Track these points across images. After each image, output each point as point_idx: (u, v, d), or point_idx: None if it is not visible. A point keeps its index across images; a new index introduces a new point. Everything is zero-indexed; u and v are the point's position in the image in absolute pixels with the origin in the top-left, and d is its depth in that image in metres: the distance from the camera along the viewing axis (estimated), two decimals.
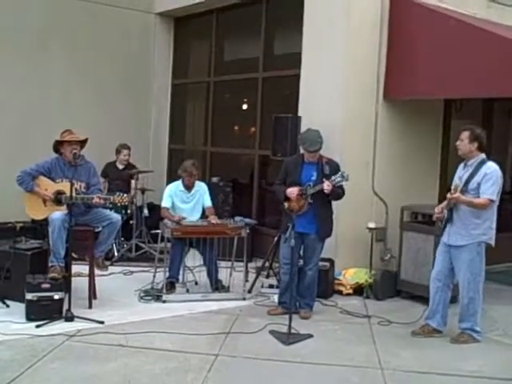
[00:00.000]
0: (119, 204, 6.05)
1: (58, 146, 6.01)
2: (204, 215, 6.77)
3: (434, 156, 7.78)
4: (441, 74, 6.59)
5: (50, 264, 5.70)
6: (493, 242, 5.35)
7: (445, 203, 5.42)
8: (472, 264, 5.30)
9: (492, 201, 5.20)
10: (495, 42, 6.13)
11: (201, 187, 6.82)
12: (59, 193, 5.86)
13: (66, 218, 5.64)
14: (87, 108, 9.14)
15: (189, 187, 6.73)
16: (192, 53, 10.63)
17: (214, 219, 6.51)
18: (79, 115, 8.66)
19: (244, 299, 6.39)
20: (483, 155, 5.33)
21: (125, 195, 5.92)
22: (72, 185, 5.56)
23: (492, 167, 5.25)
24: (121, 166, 8.54)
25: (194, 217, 6.69)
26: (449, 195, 5.25)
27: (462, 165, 5.46)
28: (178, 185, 6.76)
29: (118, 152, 8.53)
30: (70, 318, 5.39)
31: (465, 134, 5.31)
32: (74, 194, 5.58)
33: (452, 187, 5.31)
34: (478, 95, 6.72)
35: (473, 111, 8.37)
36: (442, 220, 5.46)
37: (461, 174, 5.40)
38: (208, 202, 6.79)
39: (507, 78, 5.95)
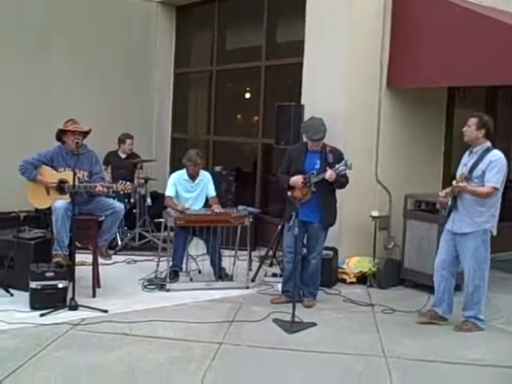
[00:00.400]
0: (122, 192, 6.04)
1: (60, 134, 6.00)
2: (207, 205, 6.77)
3: (438, 144, 7.75)
4: (444, 61, 6.56)
5: (53, 252, 5.71)
6: (494, 231, 5.33)
7: (449, 189, 5.39)
8: (477, 252, 5.29)
9: (496, 189, 5.18)
10: (499, 29, 6.08)
11: (205, 177, 6.80)
12: (62, 182, 5.86)
13: (69, 206, 5.64)
14: (89, 98, 9.11)
15: (193, 176, 6.71)
16: (194, 42, 10.58)
17: (217, 208, 6.51)
18: (81, 106, 8.62)
19: (247, 288, 6.39)
20: (489, 143, 5.30)
21: (128, 183, 5.92)
22: (75, 174, 5.56)
23: (497, 155, 5.23)
24: (123, 155, 8.52)
25: (197, 206, 6.69)
26: (454, 183, 5.23)
27: (467, 152, 5.44)
28: (182, 174, 6.74)
29: (121, 141, 8.51)
30: (73, 307, 5.40)
31: (472, 121, 5.29)
32: (76, 183, 5.58)
33: (457, 175, 5.29)
34: (481, 83, 6.68)
35: (476, 99, 8.32)
36: (446, 206, 5.44)
37: (466, 161, 5.38)
38: (212, 192, 6.78)
39: (510, 66, 5.92)
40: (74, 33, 9.11)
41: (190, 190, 6.72)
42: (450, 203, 5.40)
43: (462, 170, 5.35)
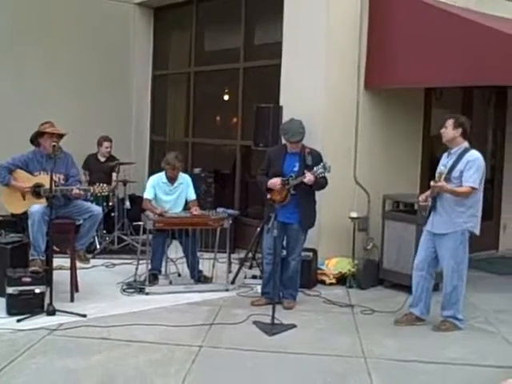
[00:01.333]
0: (99, 194, 6.00)
1: (37, 137, 5.94)
2: (187, 207, 6.74)
3: (416, 145, 7.81)
4: (420, 62, 6.62)
5: (30, 257, 5.64)
6: (477, 231, 5.37)
7: (429, 191, 5.44)
8: (456, 252, 5.32)
9: (474, 188, 5.21)
10: (474, 30, 6.15)
11: (184, 180, 6.76)
12: (38, 185, 5.79)
13: (46, 210, 5.58)
14: (67, 101, 9.01)
15: (172, 179, 6.68)
16: (172, 43, 10.54)
17: (195, 210, 6.48)
18: (59, 108, 8.50)
19: (227, 290, 6.37)
20: (466, 144, 5.35)
21: (104, 185, 5.87)
22: (51, 177, 5.49)
23: (474, 155, 5.27)
24: (102, 159, 8.48)
25: (176, 209, 6.65)
26: (432, 183, 5.27)
27: (445, 153, 5.48)
28: (160, 176, 6.70)
29: (99, 144, 8.47)
30: (51, 312, 5.34)
31: (449, 122, 5.35)
32: (53, 187, 5.52)
33: (436, 175, 5.32)
34: (456, 83, 6.74)
35: (453, 100, 8.39)
36: (426, 209, 5.47)
37: (444, 162, 5.42)
38: (192, 195, 6.75)
39: (484, 67, 5.99)
40: (51, 35, 9.02)
41: (169, 193, 6.69)
42: (429, 204, 5.43)
43: (441, 169, 5.38)
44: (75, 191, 5.71)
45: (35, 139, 5.96)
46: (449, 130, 5.35)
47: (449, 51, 6.33)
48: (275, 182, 5.78)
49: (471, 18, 6.32)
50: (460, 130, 5.32)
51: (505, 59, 5.82)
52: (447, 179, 5.25)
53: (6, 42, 8.67)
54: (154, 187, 6.64)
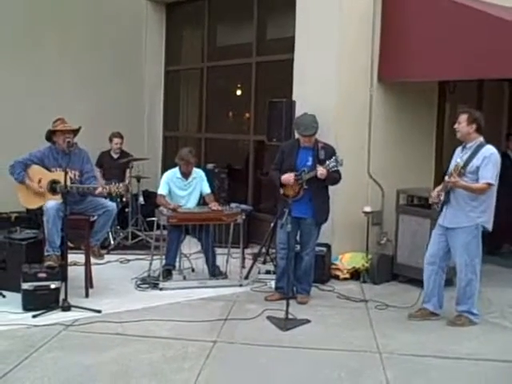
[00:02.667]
0: (115, 194, 6.02)
1: (50, 135, 5.97)
2: (202, 202, 6.75)
3: (429, 139, 7.75)
4: (435, 55, 6.55)
5: (45, 253, 5.67)
6: (490, 226, 5.33)
7: (441, 186, 5.40)
8: (469, 246, 5.29)
9: (491, 185, 5.17)
10: (490, 23, 6.09)
11: (198, 175, 6.77)
12: (54, 182, 5.83)
13: (61, 206, 5.61)
14: (80, 97, 9.04)
15: (186, 175, 6.68)
16: (184, 39, 10.55)
17: (214, 206, 6.49)
18: (72, 105, 8.56)
19: (241, 285, 6.38)
20: (481, 138, 5.30)
21: (120, 185, 5.88)
22: (66, 173, 5.52)
23: (490, 150, 5.23)
24: (115, 155, 8.51)
25: (191, 204, 6.67)
26: (447, 178, 5.23)
27: (459, 148, 5.44)
28: (175, 172, 6.72)
29: (110, 140, 8.51)
30: (66, 308, 5.38)
31: (463, 117, 5.30)
32: (68, 183, 5.55)
33: (451, 168, 5.28)
34: (471, 77, 6.68)
35: (467, 93, 8.32)
36: (439, 204, 5.44)
37: (459, 156, 5.38)
38: (207, 190, 6.76)
39: (499, 60, 5.93)
40: (64, 31, 9.04)
41: (184, 188, 6.69)
42: (443, 198, 5.39)
43: (457, 162, 5.32)
44: (99, 190, 5.73)
45: (50, 138, 5.99)
46: (463, 126, 5.29)
47: (463, 44, 6.27)
48: (288, 177, 5.77)
49: (486, 10, 6.25)
50: (474, 126, 5.26)
51: None
52: (462, 174, 5.21)
53: (20, 40, 8.70)
54: (168, 183, 6.65)
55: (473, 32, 6.22)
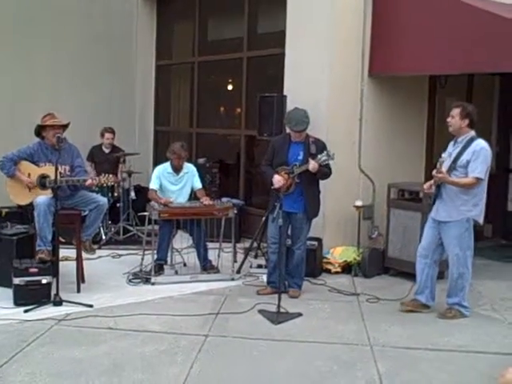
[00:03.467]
0: (105, 185, 6.01)
1: (40, 130, 5.95)
2: (193, 197, 6.75)
3: (420, 133, 7.78)
4: (426, 49, 6.58)
5: (37, 248, 5.66)
6: (481, 220, 5.37)
7: (433, 180, 5.43)
8: (461, 240, 5.32)
9: (480, 179, 5.20)
10: (481, 17, 6.11)
11: (190, 169, 6.76)
12: (43, 176, 5.81)
13: (52, 201, 5.59)
14: (71, 91, 9.01)
15: (177, 169, 6.68)
16: (176, 33, 10.51)
17: (206, 200, 6.48)
18: (63, 99, 8.53)
19: (233, 280, 6.39)
20: (473, 132, 5.31)
21: (110, 175, 5.88)
22: (57, 168, 5.50)
23: (481, 144, 5.24)
24: (106, 150, 8.50)
25: (182, 199, 6.66)
26: (434, 173, 5.26)
27: (452, 142, 5.46)
28: (166, 166, 6.71)
29: (102, 135, 8.49)
30: (58, 303, 5.37)
31: (455, 111, 5.29)
32: (61, 178, 5.53)
33: (437, 164, 5.30)
34: (461, 71, 6.71)
35: (457, 87, 8.35)
36: (431, 196, 5.46)
37: (450, 150, 5.40)
38: (198, 185, 6.75)
39: (491, 54, 5.96)
40: (55, 27, 8.99)
41: (175, 183, 6.69)
42: (434, 191, 5.42)
43: (442, 158, 5.35)
44: (89, 182, 5.73)
45: (39, 133, 5.97)
46: (456, 120, 5.29)
47: (454, 38, 6.30)
48: (278, 179, 5.75)
49: (476, 5, 6.27)
50: (467, 121, 5.26)
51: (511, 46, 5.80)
52: (452, 168, 5.25)
53: (12, 36, 8.64)
54: (160, 177, 6.64)
55: (463, 26, 6.24)
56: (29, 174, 5.86)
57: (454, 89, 8.24)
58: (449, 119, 5.36)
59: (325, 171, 5.83)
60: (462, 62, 6.32)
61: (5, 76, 8.60)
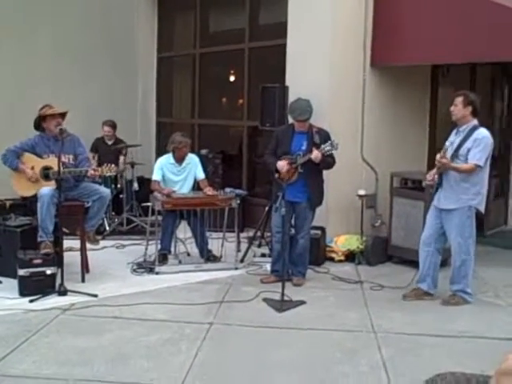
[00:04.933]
0: (108, 174, 6.03)
1: (40, 122, 5.95)
2: (196, 188, 6.76)
3: (423, 121, 7.79)
4: (427, 39, 6.58)
5: (38, 239, 5.68)
6: (482, 208, 5.37)
7: (435, 169, 5.43)
8: (463, 228, 5.33)
9: (479, 166, 5.19)
10: (483, 6, 6.10)
11: (192, 160, 6.77)
12: (46, 168, 5.82)
13: (55, 193, 5.61)
14: (73, 83, 9.00)
15: (179, 160, 6.69)
16: (177, 25, 10.50)
17: (209, 190, 6.50)
18: (65, 91, 8.51)
19: (236, 269, 6.41)
20: (475, 121, 5.31)
21: (112, 165, 5.89)
22: (60, 160, 5.51)
23: (483, 133, 5.24)
24: (109, 142, 8.52)
25: (185, 189, 6.68)
26: (438, 157, 5.26)
27: (454, 130, 5.46)
28: (168, 157, 6.72)
29: (102, 128, 8.52)
30: (63, 293, 5.40)
31: (458, 99, 5.30)
32: (62, 169, 5.54)
33: (442, 151, 5.31)
34: (463, 60, 6.69)
35: (460, 77, 8.34)
36: (433, 185, 5.47)
37: (452, 139, 5.40)
38: (201, 175, 6.76)
39: (493, 43, 5.95)
40: (56, 19, 8.97)
41: (177, 174, 6.70)
42: (436, 180, 5.43)
43: (446, 146, 5.36)
44: (91, 172, 5.75)
45: (39, 125, 5.97)
46: (459, 108, 5.29)
47: (456, 27, 6.29)
48: (282, 164, 5.77)
49: None
50: (470, 109, 5.27)
51: None
52: (454, 156, 5.25)
53: (13, 28, 8.63)
54: (162, 168, 6.66)
55: (466, 15, 6.24)
56: (32, 167, 5.87)
57: (457, 78, 8.23)
58: (452, 108, 5.36)
59: (328, 161, 5.83)
60: (464, 52, 6.31)
61: (5, 71, 8.57)
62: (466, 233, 5.35)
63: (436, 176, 5.42)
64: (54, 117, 5.86)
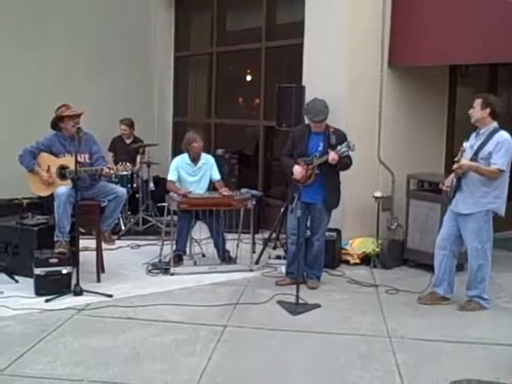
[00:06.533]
0: (123, 173, 6.03)
1: (57, 122, 5.98)
2: (212, 189, 6.76)
3: (440, 124, 7.72)
4: (446, 39, 6.52)
5: (55, 238, 5.71)
6: (502, 212, 5.31)
7: (453, 174, 5.38)
8: (480, 232, 5.28)
9: (502, 171, 5.15)
10: (502, 6, 6.03)
11: (208, 160, 6.77)
12: (63, 167, 5.85)
13: (72, 192, 5.64)
14: (90, 84, 9.00)
15: (195, 160, 6.68)
16: (194, 24, 10.51)
17: (225, 191, 6.49)
18: (82, 91, 8.54)
19: (251, 271, 6.40)
20: (495, 124, 5.26)
21: (127, 164, 5.90)
22: (76, 160, 5.53)
23: (504, 136, 5.19)
24: (128, 141, 8.55)
25: (200, 190, 6.67)
26: (455, 165, 5.22)
27: (473, 134, 5.40)
28: (184, 158, 6.71)
29: (119, 126, 8.55)
30: (78, 292, 5.42)
31: (477, 102, 5.26)
32: (78, 168, 5.56)
33: (459, 153, 5.25)
34: (483, 61, 6.63)
35: (478, 77, 8.26)
36: (451, 190, 5.41)
37: (472, 142, 5.34)
38: (216, 176, 6.76)
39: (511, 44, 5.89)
40: (73, 17, 9.00)
41: (193, 174, 6.70)
42: (454, 184, 5.37)
43: (462, 147, 5.30)
44: (106, 170, 5.77)
45: (56, 124, 6.00)
46: (477, 110, 5.25)
47: (474, 28, 6.23)
48: (298, 171, 5.73)
49: None
50: (488, 110, 5.22)
51: None
52: (474, 160, 5.20)
53: (28, 28, 8.66)
54: (178, 169, 6.66)
55: (485, 15, 6.17)
56: (48, 166, 5.88)
57: (476, 79, 8.15)
58: (470, 110, 5.32)
59: (345, 162, 5.79)
60: (482, 52, 6.25)
61: (20, 71, 8.58)
62: (484, 237, 5.30)
63: (454, 180, 5.36)
64: (72, 117, 5.88)
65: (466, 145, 5.29)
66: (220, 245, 6.54)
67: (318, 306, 5.40)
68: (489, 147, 5.16)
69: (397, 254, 6.76)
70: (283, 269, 6.24)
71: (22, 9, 8.61)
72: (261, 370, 4.14)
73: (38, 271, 5.47)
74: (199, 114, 10.31)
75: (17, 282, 5.80)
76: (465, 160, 5.19)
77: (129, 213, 8.25)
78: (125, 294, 5.59)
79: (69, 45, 9.01)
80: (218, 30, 9.61)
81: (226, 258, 6.54)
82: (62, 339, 4.52)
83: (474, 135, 5.39)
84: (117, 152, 8.45)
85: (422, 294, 5.62)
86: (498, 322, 5.10)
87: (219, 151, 8.88)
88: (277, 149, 8.18)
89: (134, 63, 9.69)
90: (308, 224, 6.00)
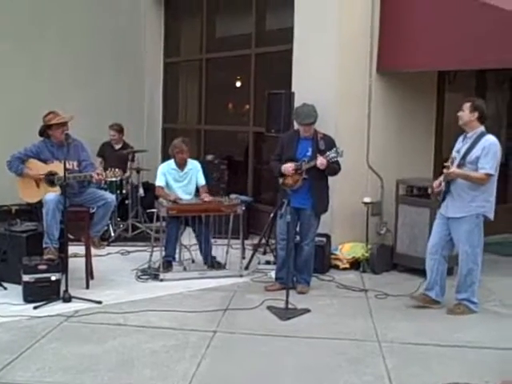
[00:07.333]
0: (112, 179, 6.01)
1: (45, 129, 5.95)
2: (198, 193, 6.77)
3: (429, 129, 7.75)
4: (434, 45, 6.55)
5: (44, 245, 5.68)
6: (491, 216, 5.34)
7: (442, 177, 5.41)
8: (470, 236, 5.31)
9: (490, 175, 5.18)
10: (490, 12, 6.07)
11: (194, 166, 6.77)
12: (51, 174, 5.82)
13: (61, 199, 5.63)
14: (78, 89, 9.00)
15: (181, 165, 6.69)
16: (183, 30, 10.52)
17: (206, 197, 6.50)
18: (70, 96, 8.54)
19: (241, 276, 6.40)
20: (482, 128, 5.31)
21: (116, 170, 5.89)
22: (65, 166, 5.51)
23: (490, 140, 5.23)
24: (117, 146, 8.53)
25: (187, 195, 6.67)
26: (445, 171, 5.25)
27: (461, 137, 5.45)
28: (170, 163, 6.72)
29: (109, 132, 8.53)
30: (67, 299, 5.40)
31: (466, 105, 5.32)
32: (67, 174, 5.54)
33: (449, 160, 5.29)
34: (469, 67, 6.68)
35: (466, 83, 8.32)
36: (441, 194, 5.45)
37: (459, 146, 5.39)
38: (202, 181, 6.76)
39: (499, 49, 5.93)
40: (64, 23, 9.00)
41: (179, 180, 6.70)
42: (443, 188, 5.41)
43: (453, 155, 5.35)
44: (95, 177, 5.75)
45: (44, 132, 5.98)
46: (466, 113, 5.31)
47: (463, 34, 6.26)
48: (287, 166, 5.79)
49: (488, 1, 6.24)
50: (476, 114, 5.27)
51: None
52: (461, 164, 5.24)
53: (20, 31, 8.66)
54: (165, 174, 6.66)
55: (472, 22, 6.21)
56: (37, 171, 5.87)
57: (464, 84, 8.20)
58: (459, 113, 5.37)
59: (333, 167, 5.82)
60: (470, 58, 6.29)
61: (9, 73, 8.57)
62: (474, 241, 5.33)
63: (443, 184, 5.40)
64: (60, 125, 5.86)
65: (456, 154, 5.33)
66: (207, 251, 6.53)
67: (308, 310, 5.40)
68: (476, 152, 5.20)
69: (386, 258, 6.78)
70: (273, 274, 6.24)
71: (14, 12, 8.59)
72: (251, 375, 4.14)
73: (26, 278, 5.44)
74: (189, 120, 10.31)
75: (5, 288, 5.77)
76: (454, 168, 5.22)
77: (118, 219, 8.22)
78: (114, 300, 5.57)
79: (57, 50, 8.99)
80: (207, 36, 9.62)
81: (213, 263, 6.54)
82: (51, 346, 4.49)
83: (461, 138, 5.44)
84: (105, 158, 8.44)
85: (415, 293, 5.65)
86: (487, 326, 5.12)
87: (209, 157, 8.89)
88: (266, 155, 8.19)
89: (124, 69, 9.68)
90: (297, 229, 6.01)
